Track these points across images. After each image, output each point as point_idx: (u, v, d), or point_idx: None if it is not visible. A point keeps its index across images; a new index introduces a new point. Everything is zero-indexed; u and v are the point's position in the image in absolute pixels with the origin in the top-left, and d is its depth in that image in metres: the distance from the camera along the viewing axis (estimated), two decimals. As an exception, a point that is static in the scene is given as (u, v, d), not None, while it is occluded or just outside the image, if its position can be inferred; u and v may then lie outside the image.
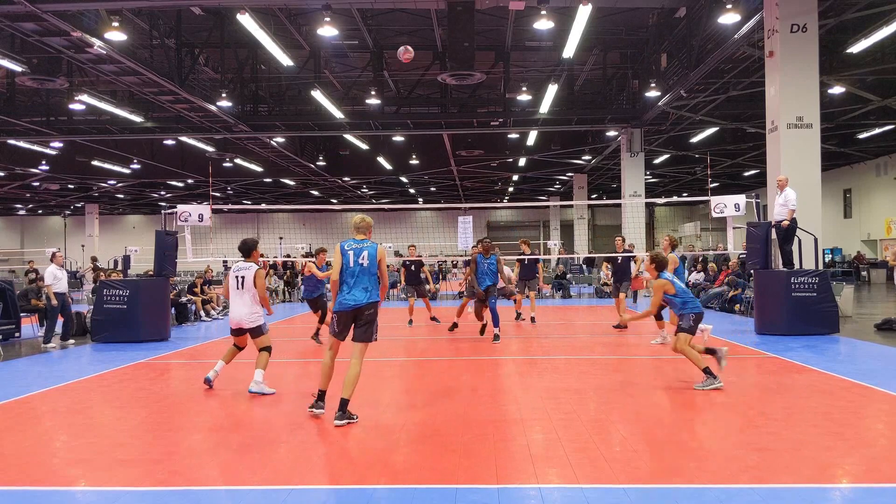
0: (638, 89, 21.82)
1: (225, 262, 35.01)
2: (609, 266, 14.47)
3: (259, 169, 32.36)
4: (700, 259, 21.12)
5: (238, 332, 7.38)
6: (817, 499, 3.98)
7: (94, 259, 25.56)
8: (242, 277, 7.20)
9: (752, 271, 12.83)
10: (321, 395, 6.01)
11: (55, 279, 11.75)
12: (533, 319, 14.05)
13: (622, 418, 5.91)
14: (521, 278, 14.27)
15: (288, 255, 30.13)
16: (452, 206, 44.04)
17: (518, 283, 14.37)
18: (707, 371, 6.99)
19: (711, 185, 35.12)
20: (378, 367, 9.04)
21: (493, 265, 11.40)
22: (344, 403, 5.74)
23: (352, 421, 5.75)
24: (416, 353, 10.34)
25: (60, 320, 12.18)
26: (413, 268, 14.35)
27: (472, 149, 29.33)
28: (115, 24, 14.01)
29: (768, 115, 13.65)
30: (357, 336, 5.98)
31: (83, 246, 42.64)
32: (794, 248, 11.84)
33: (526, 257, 14.23)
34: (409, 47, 12.85)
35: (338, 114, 21.63)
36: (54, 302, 11.59)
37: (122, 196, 44.30)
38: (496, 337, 11.11)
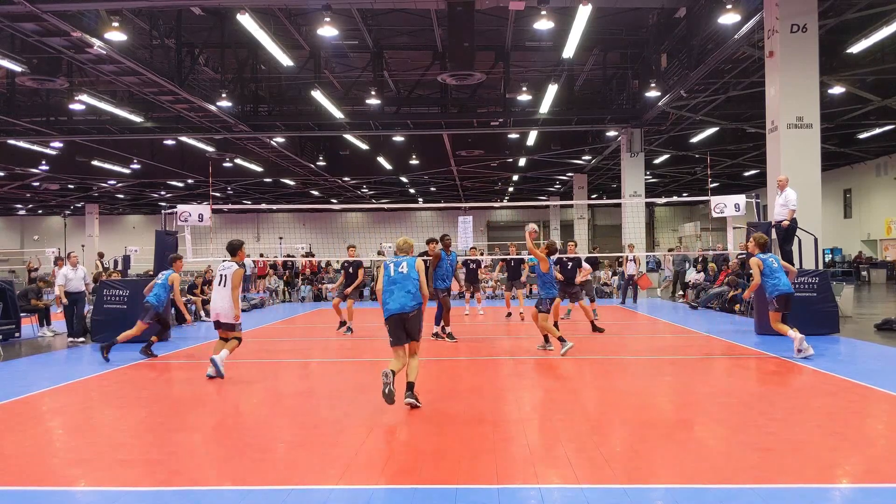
0: (638, 89, 21.81)
1: (225, 261, 35.05)
2: (503, 266, 15.28)
3: (259, 169, 32.36)
4: (700, 259, 21.12)
5: (217, 324, 7.94)
6: (818, 499, 3.98)
7: (100, 255, 25.23)
8: (225, 276, 7.82)
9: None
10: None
11: (66, 279, 12.39)
12: (522, 317, 14.38)
13: (622, 418, 5.91)
14: (508, 278, 15.11)
15: (288, 255, 30.13)
16: (452, 206, 44.05)
17: (506, 282, 15.18)
18: None
19: (711, 185, 35.11)
20: (377, 367, 9.04)
21: (454, 262, 11.51)
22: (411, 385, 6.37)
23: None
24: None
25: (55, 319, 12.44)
26: (350, 269, 13.23)
27: (472, 149, 29.33)
28: (115, 24, 14.02)
29: (768, 115, 13.65)
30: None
31: (83, 246, 42.62)
32: (794, 248, 11.83)
33: (511, 258, 14.89)
34: None
35: (338, 114, 21.62)
36: (64, 301, 12.17)
37: (122, 196, 44.29)
38: (450, 335, 11.27)
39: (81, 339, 12.19)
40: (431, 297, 10.89)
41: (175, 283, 10.06)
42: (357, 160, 32.75)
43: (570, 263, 12.71)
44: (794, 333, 8.88)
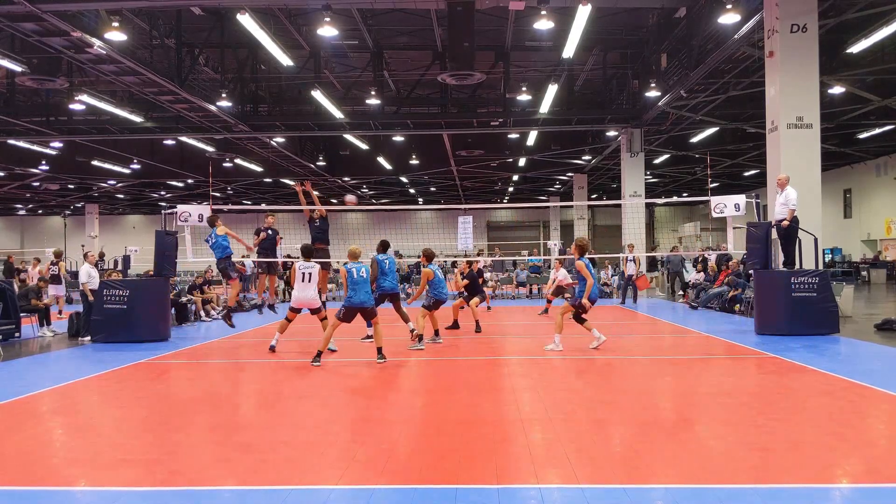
0: (638, 89, 21.81)
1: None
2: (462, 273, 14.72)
3: (259, 169, 32.37)
4: (700, 259, 21.12)
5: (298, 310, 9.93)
6: (818, 499, 3.98)
7: (101, 255, 24.96)
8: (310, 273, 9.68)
9: (751, 271, 12.83)
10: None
11: (89, 277, 12.75)
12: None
13: (622, 418, 5.91)
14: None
15: (288, 256, 30.07)
16: (452, 207, 44.04)
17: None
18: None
19: (711, 185, 35.11)
20: (377, 368, 9.04)
21: (393, 264, 11.15)
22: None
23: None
24: (415, 353, 10.33)
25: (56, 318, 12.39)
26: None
27: (472, 149, 29.32)
28: (115, 24, 14.01)
29: (768, 115, 13.65)
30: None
31: (83, 246, 42.62)
32: (794, 248, 11.83)
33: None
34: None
35: (338, 114, 21.62)
36: (91, 298, 12.32)
37: (122, 196, 44.29)
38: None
39: (89, 338, 12.10)
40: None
41: (227, 231, 11.86)
42: (357, 160, 32.75)
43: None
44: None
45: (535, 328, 13.44)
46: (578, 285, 9.91)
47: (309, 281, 9.57)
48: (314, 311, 9.86)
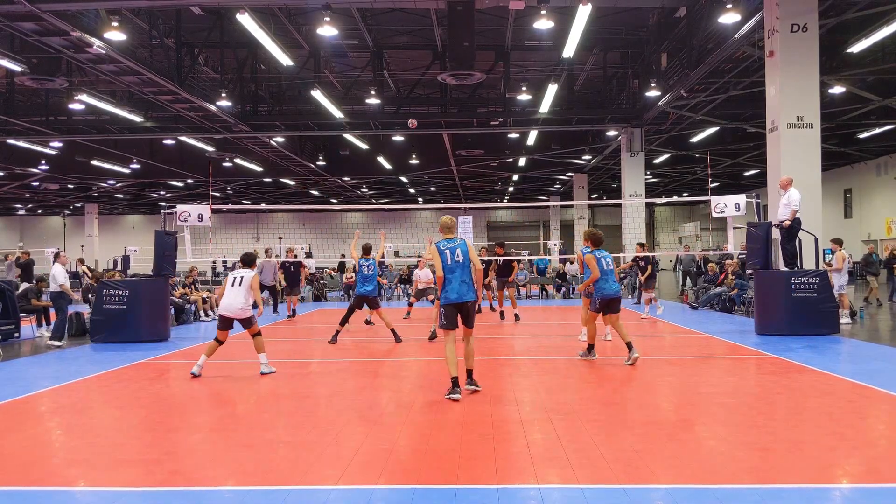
0: (638, 89, 21.81)
1: (225, 262, 34.99)
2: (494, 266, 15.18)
3: (259, 169, 32.36)
4: (702, 259, 21.11)
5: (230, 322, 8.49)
6: (818, 499, 3.98)
7: (80, 260, 24.25)
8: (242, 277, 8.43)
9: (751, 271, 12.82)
10: (456, 382, 6.62)
11: (65, 277, 12.09)
12: (517, 317, 14.47)
13: (622, 418, 5.90)
14: (498, 276, 15.04)
15: (295, 256, 30.02)
16: (452, 206, 44.02)
17: (497, 280, 15.10)
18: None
19: (712, 185, 35.09)
20: (377, 368, 9.04)
21: (375, 268, 11.63)
22: (470, 373, 6.89)
23: (477, 389, 6.82)
24: (414, 353, 10.33)
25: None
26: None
27: (472, 149, 29.31)
28: (115, 23, 14.00)
29: (768, 114, 13.64)
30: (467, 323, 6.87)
31: (83, 246, 42.63)
32: (795, 248, 11.82)
33: (501, 258, 14.97)
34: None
35: (338, 113, 21.61)
36: (73, 297, 12.02)
37: (121, 196, 44.29)
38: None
39: (63, 342, 11.62)
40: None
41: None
42: (357, 160, 32.74)
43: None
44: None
45: (536, 328, 13.43)
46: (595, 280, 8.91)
47: (240, 285, 8.31)
48: (245, 324, 8.38)
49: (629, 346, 8.51)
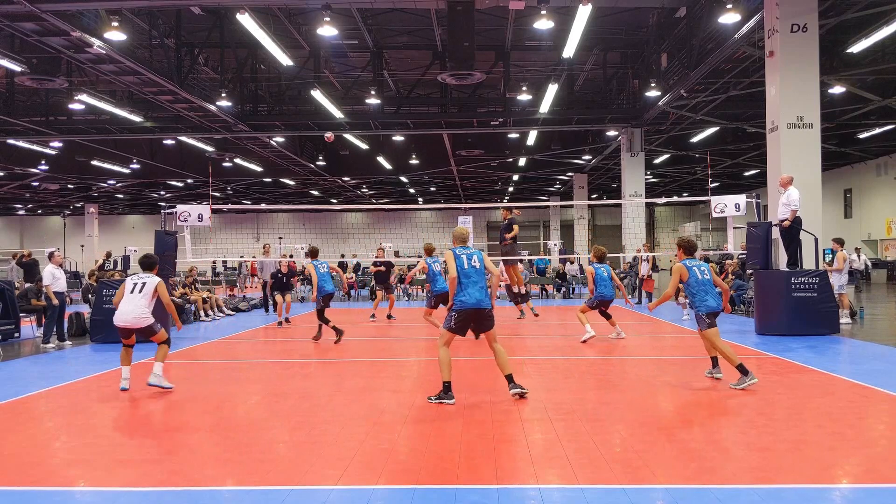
0: (638, 89, 21.81)
1: (225, 261, 35.02)
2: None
3: (259, 169, 32.36)
4: (702, 259, 21.11)
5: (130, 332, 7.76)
6: (818, 499, 3.98)
7: (108, 254, 24.14)
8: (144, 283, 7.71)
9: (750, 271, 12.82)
10: (449, 387, 6.47)
11: (53, 279, 11.64)
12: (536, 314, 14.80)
13: (622, 418, 5.90)
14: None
15: (289, 255, 30.06)
16: (452, 206, 44.04)
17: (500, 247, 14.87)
18: (741, 368, 6.96)
19: (712, 185, 35.12)
20: (376, 368, 9.04)
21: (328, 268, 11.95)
22: (511, 377, 6.63)
23: (524, 392, 6.58)
24: (414, 353, 10.34)
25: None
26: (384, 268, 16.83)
27: (472, 149, 29.30)
28: (115, 23, 14.00)
29: (768, 114, 13.64)
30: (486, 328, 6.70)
31: (83, 246, 42.64)
32: (796, 248, 11.82)
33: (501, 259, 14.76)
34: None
35: (337, 114, 21.62)
36: (55, 302, 11.47)
37: (121, 196, 44.29)
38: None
39: (53, 345, 11.45)
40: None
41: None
42: (357, 160, 32.75)
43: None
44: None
45: (536, 328, 13.43)
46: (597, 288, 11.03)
47: (140, 292, 7.59)
48: (145, 333, 7.61)
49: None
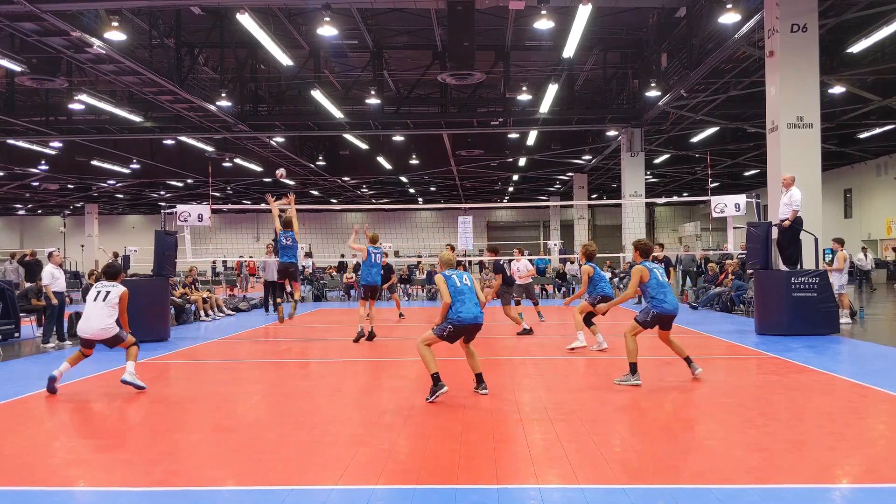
0: (638, 89, 21.80)
1: (225, 261, 35.01)
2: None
3: (259, 169, 32.36)
4: (702, 259, 21.12)
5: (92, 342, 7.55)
6: (818, 499, 3.97)
7: (115, 255, 23.92)
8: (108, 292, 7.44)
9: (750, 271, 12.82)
10: (438, 378, 6.55)
11: (53, 279, 11.61)
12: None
13: (622, 418, 5.90)
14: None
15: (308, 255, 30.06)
16: (452, 206, 44.02)
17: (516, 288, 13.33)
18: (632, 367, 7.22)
19: (712, 185, 35.07)
20: (376, 368, 9.05)
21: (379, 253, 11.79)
22: (480, 377, 6.89)
23: (486, 392, 6.79)
24: (414, 353, 10.32)
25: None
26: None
27: (472, 149, 29.31)
28: (115, 23, 13.99)
29: (768, 114, 13.64)
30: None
31: (83, 246, 42.62)
32: (797, 248, 11.81)
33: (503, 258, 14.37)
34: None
35: (337, 113, 21.62)
36: (54, 301, 11.44)
37: (121, 196, 44.28)
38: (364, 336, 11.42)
39: (53, 344, 11.42)
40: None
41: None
42: (357, 160, 32.74)
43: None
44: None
45: (535, 328, 13.41)
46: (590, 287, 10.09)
47: (103, 300, 7.28)
48: (111, 343, 7.39)
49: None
